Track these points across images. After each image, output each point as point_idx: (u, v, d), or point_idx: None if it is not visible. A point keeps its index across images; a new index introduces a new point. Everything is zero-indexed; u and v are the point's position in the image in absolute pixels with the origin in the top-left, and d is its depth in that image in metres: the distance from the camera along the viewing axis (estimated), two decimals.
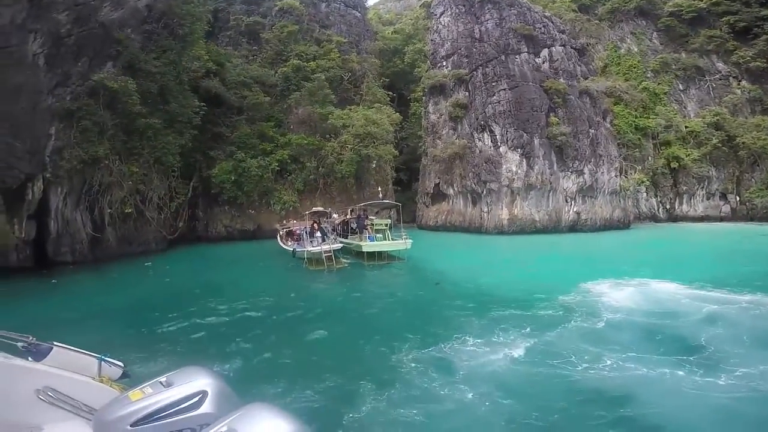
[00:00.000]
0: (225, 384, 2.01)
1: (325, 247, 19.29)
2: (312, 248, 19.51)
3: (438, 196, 40.28)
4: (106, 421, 1.88)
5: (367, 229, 22.15)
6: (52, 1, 19.63)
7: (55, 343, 2.55)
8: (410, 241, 20.58)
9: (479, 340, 8.90)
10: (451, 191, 38.64)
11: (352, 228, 24.15)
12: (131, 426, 1.82)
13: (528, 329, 9.59)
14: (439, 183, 39.60)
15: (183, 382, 1.96)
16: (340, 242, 21.56)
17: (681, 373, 7.29)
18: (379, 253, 20.99)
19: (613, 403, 6.42)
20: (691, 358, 7.85)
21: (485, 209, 35.71)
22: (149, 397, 1.91)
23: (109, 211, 22.05)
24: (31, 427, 2.20)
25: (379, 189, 32.34)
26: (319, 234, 22.16)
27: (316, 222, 22.97)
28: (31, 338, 2.51)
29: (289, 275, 19.20)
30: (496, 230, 34.47)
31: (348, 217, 25.66)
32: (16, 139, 17.66)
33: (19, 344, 2.49)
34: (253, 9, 45.09)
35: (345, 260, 21.03)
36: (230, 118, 35.06)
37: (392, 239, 21.55)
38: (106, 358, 2.68)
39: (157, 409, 1.85)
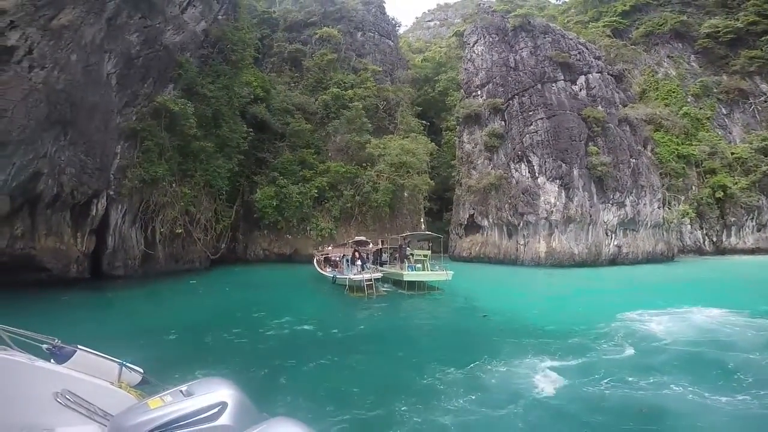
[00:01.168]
0: (245, 397, 1.96)
1: (367, 275, 19.41)
2: (354, 276, 19.63)
3: (472, 227, 39.91)
4: (122, 427, 1.83)
5: (408, 258, 22.15)
6: (125, 22, 21.29)
7: (79, 346, 2.55)
8: (451, 272, 20.45)
9: (523, 364, 9.51)
10: (486, 222, 38.24)
11: (381, 258, 24.44)
12: None
13: (568, 355, 10.17)
14: (473, 214, 39.31)
15: (203, 393, 1.92)
16: (381, 271, 21.54)
17: (707, 393, 7.81)
18: (419, 283, 20.93)
19: (650, 419, 7.03)
20: (721, 382, 8.41)
21: (522, 242, 35.10)
22: (168, 405, 1.87)
23: (161, 230, 22.74)
24: (45, 428, 2.18)
25: (421, 220, 32.32)
26: (359, 262, 22.31)
27: (357, 251, 23.15)
28: (56, 341, 2.52)
29: (332, 300, 19.24)
30: (532, 263, 33.71)
31: (380, 246, 25.82)
32: (88, 156, 18.73)
33: (44, 346, 2.51)
34: (294, 37, 47.45)
35: (383, 289, 21.00)
36: (273, 144, 36.25)
37: (430, 270, 21.55)
38: (127, 364, 2.68)
39: (174, 418, 1.80)
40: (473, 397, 7.63)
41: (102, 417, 2.24)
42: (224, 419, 1.81)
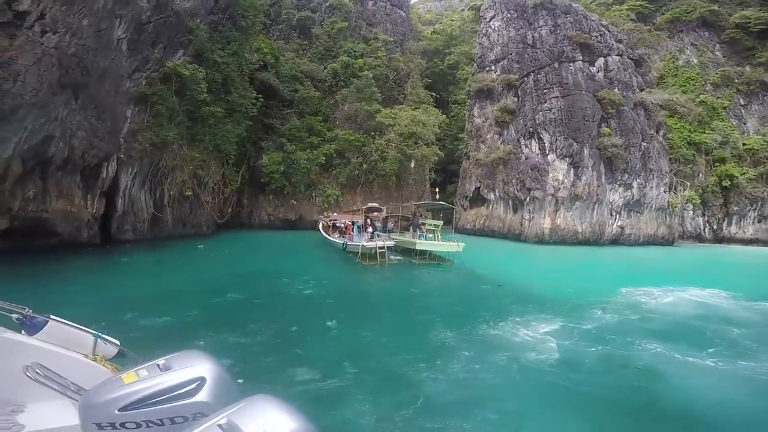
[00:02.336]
0: (225, 372, 1.86)
1: (380, 243, 19.58)
2: (367, 243, 19.82)
3: (477, 200, 40.04)
4: (94, 403, 1.75)
5: (420, 228, 22.37)
6: None
7: (51, 316, 2.41)
8: (462, 244, 20.71)
9: (532, 326, 10.62)
10: (492, 196, 38.32)
11: (387, 226, 24.63)
12: (119, 411, 1.69)
13: (573, 320, 11.45)
14: (479, 187, 39.34)
15: (181, 367, 1.82)
16: (392, 239, 21.77)
17: (697, 358, 9.02)
18: (430, 252, 21.20)
19: (644, 375, 8.16)
20: (712, 350, 9.53)
21: (527, 217, 35.28)
22: (143, 380, 1.77)
23: (171, 193, 22.96)
24: (15, 404, 2.11)
25: (429, 189, 32.39)
26: (370, 229, 22.55)
27: (368, 217, 23.32)
28: (27, 310, 2.38)
29: (344, 267, 19.57)
30: (536, 239, 34.03)
31: (386, 215, 25.99)
32: (99, 120, 18.69)
33: (14, 316, 2.36)
34: (303, 4, 45.75)
35: (394, 257, 21.35)
36: (281, 110, 35.87)
37: (441, 240, 21.76)
38: (103, 336, 2.54)
39: (149, 394, 1.70)
40: (490, 353, 8.78)
41: (75, 392, 2.15)
42: (202, 395, 1.73)
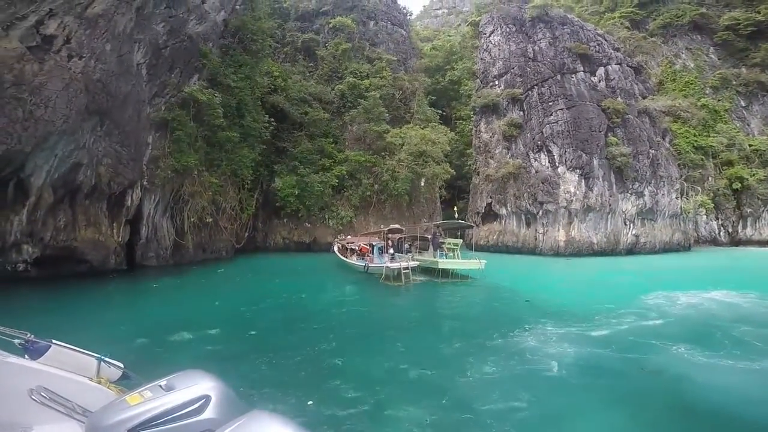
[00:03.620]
0: (228, 388, 1.90)
1: (404, 264, 19.51)
2: (391, 265, 19.72)
3: (489, 215, 39.99)
4: (102, 425, 1.75)
5: (441, 247, 22.31)
6: (152, 12, 21.12)
7: (53, 341, 2.46)
8: (484, 261, 20.70)
9: (567, 337, 10.98)
10: (504, 211, 38.30)
11: (402, 247, 24.59)
12: None
13: (604, 326, 12.00)
14: (491, 203, 39.34)
15: (184, 386, 1.85)
16: (416, 259, 21.69)
17: (717, 358, 9.29)
18: (452, 271, 21.13)
19: (658, 375, 8.55)
20: (737, 351, 9.80)
21: (541, 230, 35.21)
22: (148, 401, 1.80)
23: (192, 219, 22.81)
24: (22, 427, 2.12)
25: (455, 208, 32.49)
26: (391, 251, 22.42)
27: (389, 239, 23.24)
28: (29, 335, 2.43)
29: (371, 289, 19.27)
30: (551, 252, 33.86)
31: (400, 236, 25.99)
32: (122, 146, 18.72)
33: (17, 341, 2.40)
34: (306, 26, 46.83)
35: (417, 278, 21.18)
36: (292, 133, 36.13)
37: (461, 258, 21.88)
38: (106, 359, 2.58)
39: (156, 414, 1.73)
40: (532, 361, 9.23)
41: (81, 414, 2.16)
42: (209, 413, 1.76)
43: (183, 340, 9.59)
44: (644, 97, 40.62)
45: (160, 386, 1.90)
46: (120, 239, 19.39)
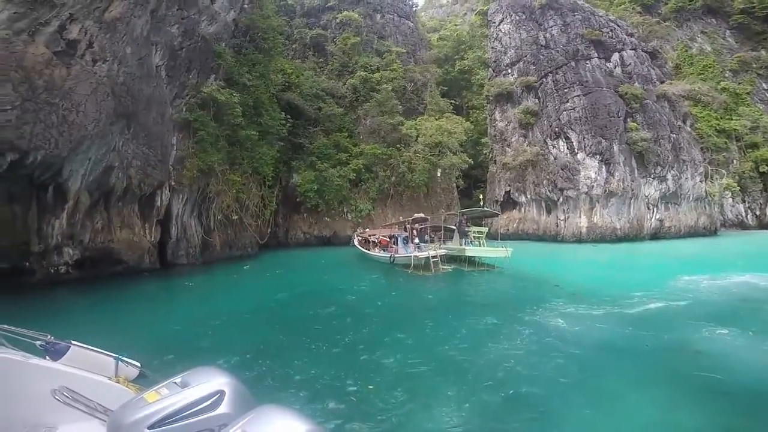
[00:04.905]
0: (240, 383, 1.96)
1: (433, 252, 19.50)
2: (419, 254, 19.71)
3: (508, 203, 39.81)
4: (124, 423, 1.81)
5: (467, 235, 22.30)
6: (165, 14, 21.22)
7: (72, 342, 2.52)
8: (510, 249, 20.65)
9: (602, 319, 11.26)
10: (523, 199, 38.11)
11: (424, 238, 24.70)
12: (149, 428, 1.76)
13: (633, 310, 12.23)
14: (509, 191, 39.16)
15: (199, 383, 1.91)
16: (443, 248, 21.69)
17: (754, 340, 9.42)
18: (478, 259, 21.12)
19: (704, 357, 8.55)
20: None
21: (562, 217, 34.97)
22: (166, 398, 1.85)
23: (219, 217, 23.03)
24: (47, 427, 2.18)
25: (480, 196, 32.32)
26: (416, 240, 22.43)
27: (414, 228, 23.23)
28: (49, 337, 2.49)
29: (402, 279, 19.34)
30: (573, 238, 33.65)
31: (422, 226, 26.03)
32: (149, 148, 18.91)
33: (37, 343, 2.46)
34: (313, 22, 46.57)
35: (445, 266, 21.18)
36: (308, 129, 36.19)
37: (486, 246, 21.93)
38: (123, 358, 2.65)
39: (175, 410, 1.79)
40: (572, 343, 9.40)
41: (102, 413, 2.21)
42: (224, 407, 1.83)
43: (238, 332, 9.87)
44: (662, 82, 39.93)
45: (176, 383, 1.96)
46: (152, 239, 19.67)
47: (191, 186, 21.54)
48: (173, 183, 20.56)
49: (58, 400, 2.18)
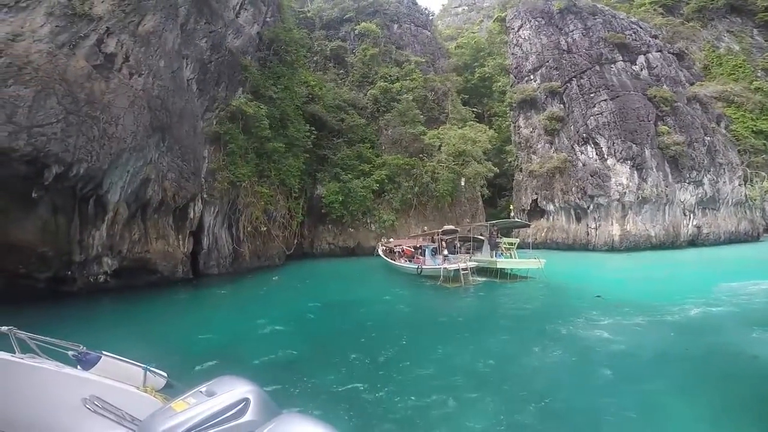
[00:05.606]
0: (263, 391, 1.99)
1: (463, 265, 19.05)
2: (449, 266, 19.29)
3: (535, 212, 38.98)
4: None
5: (498, 247, 21.78)
6: (194, 28, 21.74)
7: (104, 352, 2.58)
8: (543, 260, 20.03)
9: (649, 328, 11.06)
10: (551, 207, 37.25)
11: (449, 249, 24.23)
12: None
13: (682, 317, 11.97)
14: (536, 199, 38.36)
15: (224, 391, 1.93)
16: (474, 260, 21.19)
17: None
18: (510, 271, 20.57)
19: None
20: None
21: (593, 225, 33.96)
22: (193, 407, 1.87)
23: (248, 228, 23.15)
24: None
25: (510, 207, 31.73)
26: (446, 252, 21.99)
27: (445, 241, 22.84)
28: (81, 347, 2.56)
29: (431, 292, 18.94)
30: (605, 247, 32.57)
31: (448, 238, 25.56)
32: (183, 161, 19.18)
33: (70, 353, 2.54)
34: (332, 34, 47.30)
35: (475, 278, 20.65)
36: (331, 140, 36.44)
37: (517, 257, 21.38)
38: (151, 368, 2.72)
39: (203, 419, 1.81)
40: (620, 353, 9.28)
41: (130, 422, 2.25)
42: (249, 415, 1.85)
43: (272, 342, 9.81)
44: (691, 84, 38.87)
45: (201, 392, 1.99)
46: (186, 250, 19.84)
47: (222, 198, 21.76)
48: (205, 195, 20.79)
49: (88, 408, 2.26)
